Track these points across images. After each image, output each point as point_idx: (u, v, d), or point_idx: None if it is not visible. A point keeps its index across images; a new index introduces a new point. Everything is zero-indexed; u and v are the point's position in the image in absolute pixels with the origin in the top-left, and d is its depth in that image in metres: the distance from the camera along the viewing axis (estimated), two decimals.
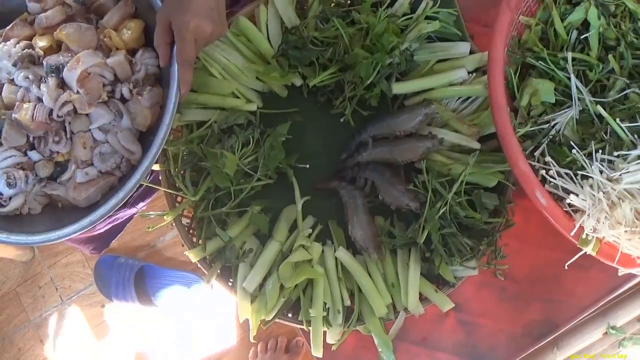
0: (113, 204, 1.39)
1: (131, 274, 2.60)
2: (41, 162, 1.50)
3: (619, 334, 1.58)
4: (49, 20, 1.53)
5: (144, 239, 2.79)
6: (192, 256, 1.50)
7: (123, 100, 1.49)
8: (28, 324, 2.81)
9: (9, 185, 1.46)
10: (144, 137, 1.50)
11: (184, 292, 2.61)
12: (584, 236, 1.18)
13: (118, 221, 1.98)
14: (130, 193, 1.40)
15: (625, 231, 1.16)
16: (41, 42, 1.52)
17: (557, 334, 1.60)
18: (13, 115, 1.42)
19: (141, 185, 1.51)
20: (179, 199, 1.57)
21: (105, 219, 1.80)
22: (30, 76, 1.46)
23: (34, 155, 1.49)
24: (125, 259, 2.69)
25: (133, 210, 1.96)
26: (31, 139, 1.48)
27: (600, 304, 1.59)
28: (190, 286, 2.62)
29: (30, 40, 1.54)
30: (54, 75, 1.44)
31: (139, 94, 1.45)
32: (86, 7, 1.59)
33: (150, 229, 1.49)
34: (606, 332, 1.59)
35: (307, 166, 1.60)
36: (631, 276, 1.54)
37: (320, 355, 1.48)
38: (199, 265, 1.53)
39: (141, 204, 1.96)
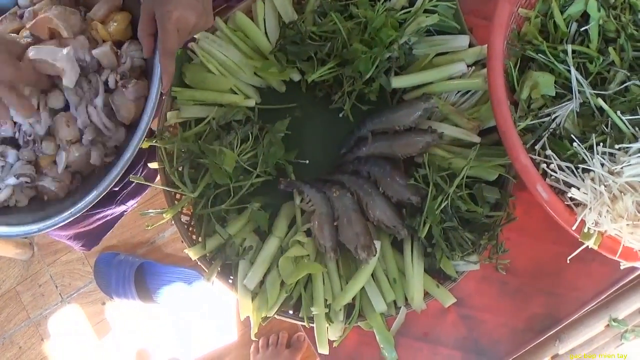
0: (94, 195, 1.43)
1: (131, 271, 2.60)
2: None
3: (621, 326, 1.58)
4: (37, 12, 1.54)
5: (144, 235, 2.79)
6: (192, 254, 1.50)
7: (108, 90, 1.51)
8: (29, 323, 2.81)
9: None
10: (129, 131, 1.53)
11: (184, 288, 2.61)
12: (585, 230, 1.17)
13: (108, 218, 1.97)
14: (111, 184, 1.43)
15: (627, 224, 1.16)
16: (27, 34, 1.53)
17: (559, 328, 1.60)
18: None
19: (132, 182, 1.51)
20: (177, 196, 1.56)
21: (95, 214, 1.81)
22: None
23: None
24: (125, 255, 2.69)
25: (123, 208, 1.95)
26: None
27: (603, 297, 1.59)
28: (191, 283, 2.62)
29: (18, 33, 1.55)
30: None
31: (124, 87, 1.46)
32: (75, 0, 1.59)
33: (149, 227, 1.49)
34: (608, 325, 1.59)
35: (307, 162, 1.59)
36: (633, 268, 1.54)
37: (326, 352, 1.48)
38: (198, 263, 1.53)
39: (131, 202, 1.95)
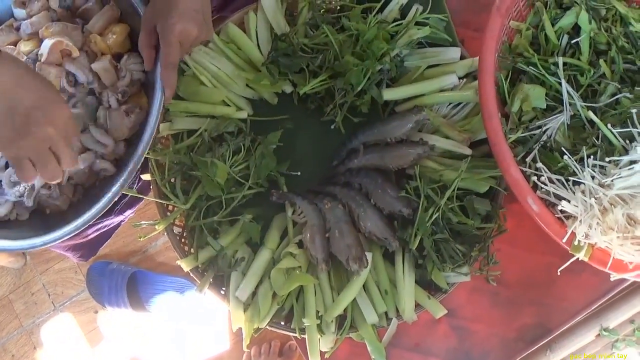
0: (97, 209, 1.41)
1: (123, 280, 2.60)
2: None
3: (612, 335, 1.59)
4: (34, 26, 1.53)
5: (136, 244, 2.78)
6: (185, 265, 1.50)
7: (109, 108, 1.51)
8: (21, 331, 2.80)
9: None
10: (129, 144, 1.52)
11: (176, 297, 2.61)
12: (576, 242, 1.18)
13: (106, 228, 1.97)
14: (114, 199, 1.41)
15: (618, 237, 1.16)
16: (25, 47, 1.53)
17: (550, 338, 1.60)
18: None
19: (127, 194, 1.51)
20: (170, 207, 1.56)
21: (93, 226, 1.80)
22: None
23: None
24: (118, 264, 2.69)
25: (120, 218, 1.95)
26: None
27: (593, 307, 1.59)
28: (183, 291, 2.61)
29: (15, 46, 1.55)
30: None
31: (127, 113, 1.46)
32: (72, 12, 1.59)
33: (141, 239, 1.49)
34: (599, 334, 1.60)
35: (299, 174, 1.60)
36: (622, 279, 1.54)
37: None
38: (191, 275, 1.53)
39: (129, 212, 1.95)
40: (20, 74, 1.16)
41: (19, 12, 1.59)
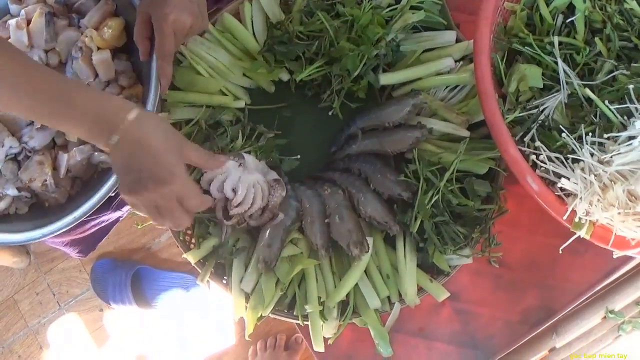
0: (95, 201, 1.42)
1: (127, 277, 2.60)
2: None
3: (618, 317, 1.58)
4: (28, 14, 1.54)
5: (139, 241, 2.79)
6: (191, 258, 1.50)
7: None
8: (27, 331, 2.81)
9: None
10: None
11: (181, 293, 2.61)
12: (577, 220, 1.17)
13: (104, 223, 1.97)
14: (111, 190, 1.42)
15: (619, 213, 1.16)
16: None
17: (555, 320, 1.60)
18: None
19: None
20: None
21: (91, 220, 1.80)
22: None
23: None
24: (122, 262, 2.69)
25: (119, 213, 1.95)
26: None
27: (597, 288, 1.59)
28: (187, 287, 2.62)
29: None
30: None
31: None
32: (67, 7, 1.59)
33: (139, 227, 1.49)
34: (605, 317, 1.59)
35: (298, 157, 1.60)
36: (626, 258, 1.54)
37: (322, 349, 1.48)
38: (194, 266, 1.52)
39: (127, 207, 1.95)
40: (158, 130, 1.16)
41: (15, 8, 1.59)
